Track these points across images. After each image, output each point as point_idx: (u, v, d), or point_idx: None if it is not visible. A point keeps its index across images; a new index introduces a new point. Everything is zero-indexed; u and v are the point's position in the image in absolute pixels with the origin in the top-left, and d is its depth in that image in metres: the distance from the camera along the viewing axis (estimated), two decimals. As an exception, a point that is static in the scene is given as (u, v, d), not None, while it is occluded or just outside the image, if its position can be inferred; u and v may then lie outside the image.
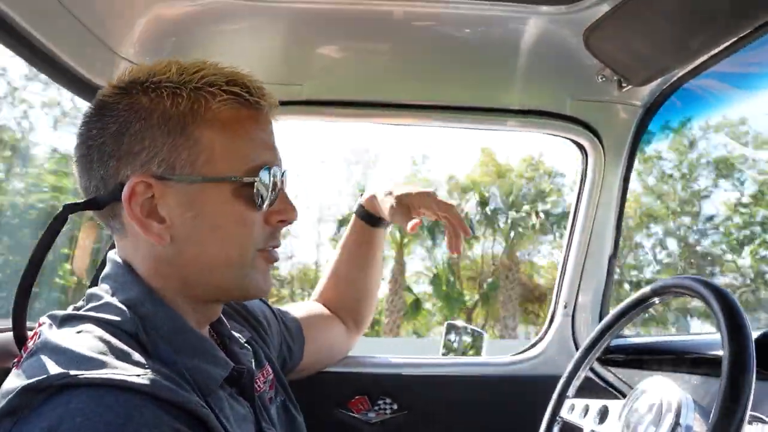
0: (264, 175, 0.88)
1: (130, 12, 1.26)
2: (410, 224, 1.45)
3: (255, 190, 0.87)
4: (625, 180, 1.75)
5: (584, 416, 1.15)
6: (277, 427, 1.05)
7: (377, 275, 1.58)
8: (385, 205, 1.46)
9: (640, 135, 1.70)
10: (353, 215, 1.56)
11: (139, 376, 0.71)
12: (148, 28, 1.30)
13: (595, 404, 1.14)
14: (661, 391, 0.98)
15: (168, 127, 0.84)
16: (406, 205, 1.44)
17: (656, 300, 1.14)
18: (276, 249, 0.96)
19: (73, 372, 0.69)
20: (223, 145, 0.86)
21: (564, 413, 1.22)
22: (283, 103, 1.61)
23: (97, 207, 0.88)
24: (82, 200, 0.89)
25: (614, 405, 1.10)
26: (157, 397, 0.70)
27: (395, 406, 1.66)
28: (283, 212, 0.93)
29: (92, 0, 1.15)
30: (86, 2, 1.13)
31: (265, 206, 0.89)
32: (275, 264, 0.96)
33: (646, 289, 1.16)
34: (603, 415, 1.11)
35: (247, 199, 0.87)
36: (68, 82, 1.21)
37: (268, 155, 0.91)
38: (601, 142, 1.70)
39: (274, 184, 0.90)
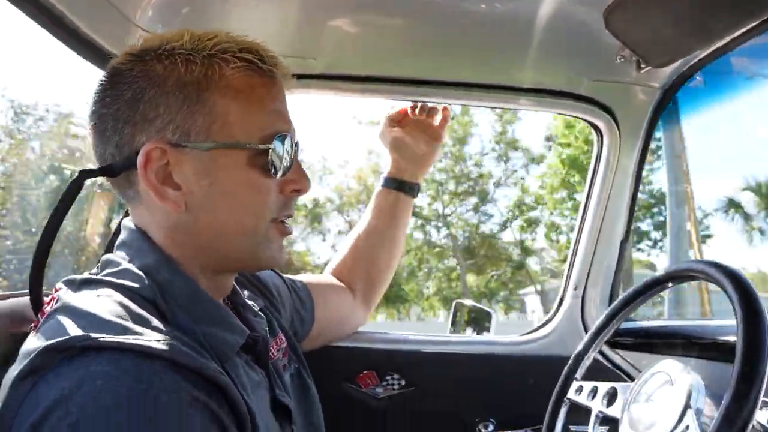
0: (278, 143, 0.88)
1: (145, -21, 1.25)
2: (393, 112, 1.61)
3: (269, 158, 0.87)
4: (640, 163, 1.73)
5: (592, 398, 1.15)
6: (290, 394, 1.06)
7: (398, 250, 1.59)
8: (400, 153, 1.58)
9: (657, 117, 1.68)
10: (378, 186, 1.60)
11: (158, 341, 0.71)
12: (163, -4, 1.29)
13: (604, 386, 1.14)
14: (671, 374, 0.98)
15: (182, 93, 0.84)
16: (413, 138, 1.57)
17: (669, 284, 1.13)
18: (289, 219, 0.96)
19: (94, 335, 0.70)
20: (238, 112, 0.86)
21: (572, 394, 1.22)
22: (298, 77, 1.61)
23: (112, 174, 0.88)
24: (98, 167, 0.89)
25: (623, 387, 1.09)
26: (176, 363, 0.70)
27: (403, 382, 1.67)
28: (296, 182, 0.93)
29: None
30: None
31: (279, 174, 0.89)
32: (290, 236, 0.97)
33: (658, 273, 1.15)
34: (611, 397, 1.11)
35: (261, 167, 0.87)
36: (82, 49, 1.20)
37: (282, 124, 0.91)
38: (617, 123, 1.68)
39: (288, 152, 0.90)
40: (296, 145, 0.93)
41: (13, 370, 0.72)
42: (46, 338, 0.71)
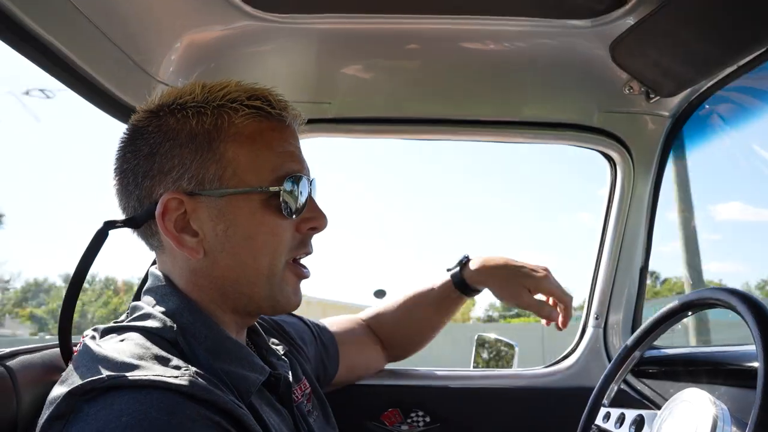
0: (289, 184, 0.91)
1: (165, 38, 1.32)
2: (550, 315, 1.38)
3: (281, 199, 0.90)
4: (655, 190, 1.74)
5: (619, 426, 1.14)
6: None
7: (439, 330, 1.57)
8: (494, 280, 1.42)
9: (670, 145, 1.69)
10: (447, 271, 1.50)
11: (177, 377, 0.74)
12: (182, 52, 1.35)
13: (631, 414, 1.13)
14: (697, 402, 0.98)
15: (195, 144, 0.88)
16: (520, 284, 1.39)
17: (689, 312, 1.13)
18: (307, 261, 0.98)
19: (114, 374, 0.73)
20: (248, 157, 0.90)
21: (599, 421, 1.21)
22: (313, 121, 1.66)
23: (135, 225, 0.92)
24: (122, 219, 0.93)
25: (650, 415, 1.09)
26: (194, 396, 0.72)
27: (428, 419, 1.67)
28: (312, 220, 0.96)
29: (129, 26, 1.21)
30: (124, 29, 1.19)
31: (294, 215, 0.92)
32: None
33: (677, 302, 1.16)
34: (639, 425, 1.10)
35: (275, 209, 0.90)
36: (107, 106, 1.26)
37: (294, 165, 0.94)
38: (630, 153, 1.70)
39: (302, 192, 0.92)
40: (311, 183, 0.96)
41: (42, 418, 0.75)
42: (69, 383, 0.74)
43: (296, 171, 0.93)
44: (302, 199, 0.93)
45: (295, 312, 1.38)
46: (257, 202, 0.90)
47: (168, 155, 0.89)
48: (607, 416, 1.20)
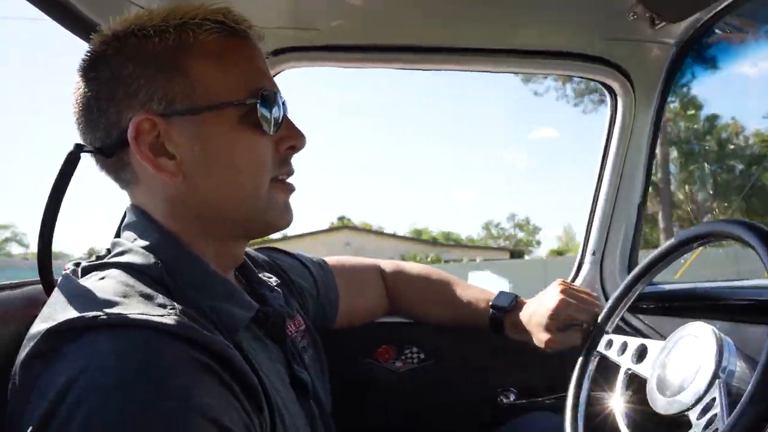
0: (263, 99, 0.87)
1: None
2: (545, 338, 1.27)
3: (258, 114, 0.87)
4: (656, 123, 1.69)
5: (622, 353, 1.12)
6: (310, 372, 1.05)
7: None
8: (537, 339, 1.30)
9: (673, 75, 1.63)
10: (490, 307, 1.39)
11: (163, 316, 0.70)
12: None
13: (634, 342, 1.11)
14: (701, 335, 0.95)
15: (160, 63, 0.84)
16: (551, 321, 1.27)
17: (694, 245, 1.10)
18: (289, 177, 0.95)
19: (95, 313, 0.69)
20: (218, 72, 0.86)
21: (602, 348, 1.19)
22: (299, 49, 1.57)
23: (106, 155, 0.86)
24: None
25: (653, 345, 1.07)
26: (180, 336, 0.69)
27: (422, 355, 1.66)
28: (290, 138, 0.92)
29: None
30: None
31: (271, 130, 0.88)
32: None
33: (682, 235, 1.12)
34: (641, 354, 1.08)
35: (252, 125, 0.87)
36: (75, 26, 1.17)
37: (265, 81, 0.90)
38: (631, 83, 1.64)
39: (277, 108, 0.89)
40: (284, 104, 0.92)
41: (20, 355, 0.72)
42: (49, 321, 0.70)
43: (269, 87, 0.89)
44: (278, 116, 0.89)
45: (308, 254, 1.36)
46: (233, 118, 0.86)
47: (132, 77, 0.83)
48: (610, 344, 1.18)
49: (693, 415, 0.87)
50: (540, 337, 1.29)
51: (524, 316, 1.34)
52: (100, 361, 0.65)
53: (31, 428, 0.63)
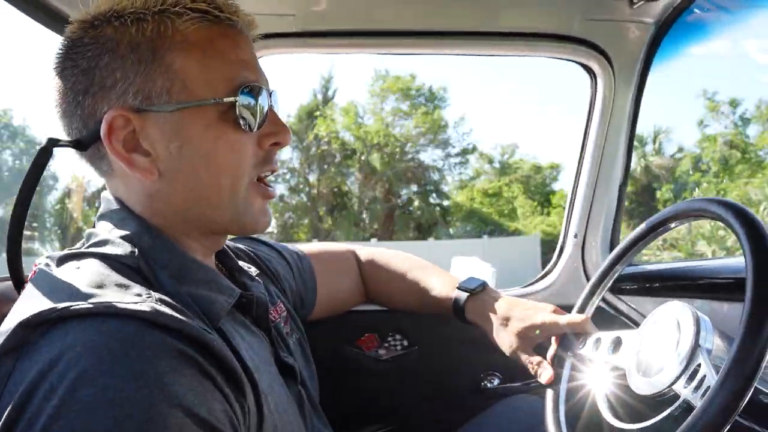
0: (246, 95, 0.83)
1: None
2: (545, 377, 1.15)
3: (238, 112, 0.83)
4: (636, 102, 1.68)
5: (596, 350, 1.10)
6: (296, 357, 1.04)
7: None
8: (502, 338, 1.24)
9: (653, 54, 1.62)
10: (455, 288, 1.34)
11: (137, 303, 0.68)
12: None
13: (608, 337, 1.08)
14: (677, 315, 0.94)
15: (137, 55, 0.80)
16: (530, 337, 1.20)
17: (671, 225, 1.09)
18: (272, 177, 0.92)
19: (67, 304, 0.67)
20: (198, 67, 0.81)
21: (575, 349, 1.16)
22: (275, 36, 1.55)
23: (81, 148, 0.84)
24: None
25: (627, 335, 1.05)
26: (156, 323, 0.67)
27: (405, 342, 1.65)
28: (274, 134, 0.89)
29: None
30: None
31: (253, 128, 0.85)
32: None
33: (659, 215, 1.11)
34: (616, 346, 1.06)
35: (232, 122, 0.83)
36: (42, 15, 1.14)
37: (249, 74, 0.85)
38: (611, 63, 1.63)
39: (260, 104, 0.85)
40: (271, 95, 0.89)
41: None
42: (20, 315, 0.68)
43: (252, 81, 0.85)
44: (262, 112, 0.85)
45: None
46: (212, 116, 0.82)
47: (108, 68, 0.80)
48: (583, 341, 1.13)
49: (680, 385, 0.86)
50: (511, 343, 1.22)
51: (499, 308, 1.26)
52: (71, 352, 0.63)
53: (1, 423, 0.62)
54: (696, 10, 1.53)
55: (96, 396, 0.60)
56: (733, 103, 24.86)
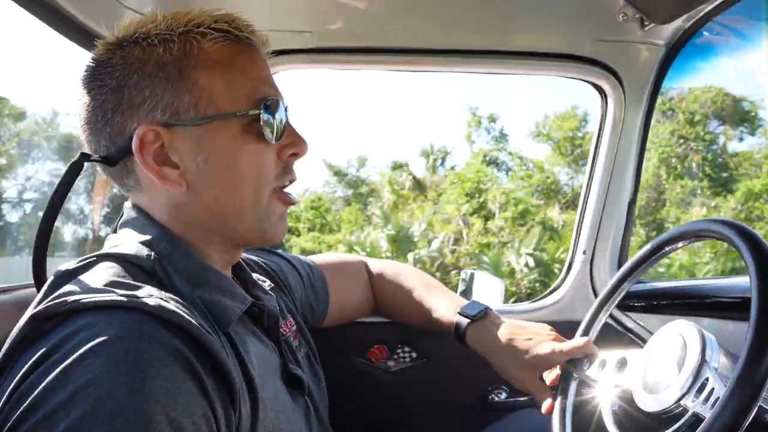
0: (266, 108, 0.88)
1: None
2: (545, 406, 1.15)
3: (261, 123, 0.87)
4: (646, 122, 1.70)
5: (602, 370, 1.10)
6: (305, 371, 1.06)
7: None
8: (505, 370, 1.23)
9: (663, 75, 1.65)
10: (453, 322, 1.32)
11: (143, 298, 0.71)
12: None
13: (613, 357, 1.08)
14: (683, 333, 0.96)
15: (165, 73, 0.84)
16: (533, 366, 1.20)
17: (679, 244, 1.11)
18: (292, 184, 0.96)
19: (78, 297, 0.70)
20: (223, 83, 0.87)
21: (580, 371, 1.14)
22: (293, 52, 1.59)
23: (110, 163, 0.88)
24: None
25: (632, 354, 1.05)
26: (160, 317, 0.70)
27: (414, 354, 1.67)
28: (293, 145, 0.93)
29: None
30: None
31: (273, 139, 0.89)
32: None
33: (666, 235, 1.13)
34: (621, 365, 1.07)
35: (255, 134, 0.88)
36: (72, 33, 1.18)
37: (268, 89, 0.91)
38: (621, 83, 1.65)
39: (280, 116, 0.90)
40: (286, 109, 0.93)
41: (5, 345, 0.72)
42: (33, 309, 0.72)
43: (272, 95, 0.90)
44: (281, 124, 0.90)
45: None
46: (236, 129, 0.87)
47: (137, 87, 0.84)
48: (588, 363, 1.13)
49: (688, 400, 0.87)
50: (515, 376, 1.21)
51: (500, 337, 1.24)
52: (76, 337, 0.66)
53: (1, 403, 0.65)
54: (705, 33, 1.55)
55: (77, 383, 0.62)
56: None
